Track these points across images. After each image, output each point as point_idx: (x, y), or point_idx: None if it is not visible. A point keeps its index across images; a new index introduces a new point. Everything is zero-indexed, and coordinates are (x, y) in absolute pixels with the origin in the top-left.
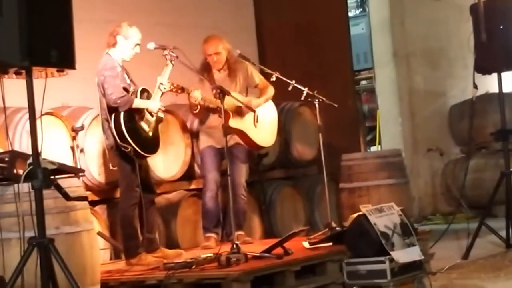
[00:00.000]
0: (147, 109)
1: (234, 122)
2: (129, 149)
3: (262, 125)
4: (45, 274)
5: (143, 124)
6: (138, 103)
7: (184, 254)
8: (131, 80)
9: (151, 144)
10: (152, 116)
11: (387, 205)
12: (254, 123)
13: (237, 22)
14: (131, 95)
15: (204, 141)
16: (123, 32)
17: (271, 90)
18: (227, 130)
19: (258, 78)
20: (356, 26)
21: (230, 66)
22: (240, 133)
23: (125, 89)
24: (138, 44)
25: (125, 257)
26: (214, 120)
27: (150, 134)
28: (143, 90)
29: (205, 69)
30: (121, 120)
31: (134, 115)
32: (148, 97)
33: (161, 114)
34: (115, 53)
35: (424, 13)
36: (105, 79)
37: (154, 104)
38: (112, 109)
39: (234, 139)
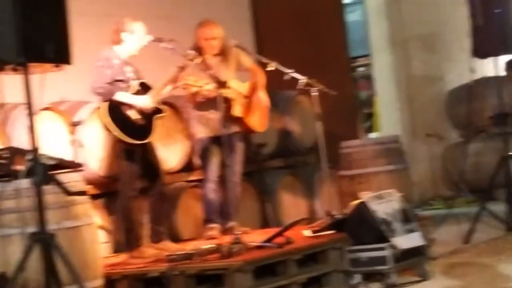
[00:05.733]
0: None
1: (236, 111)
2: (111, 133)
3: (256, 110)
4: (47, 269)
5: (130, 112)
6: (122, 97)
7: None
8: (137, 76)
9: (138, 132)
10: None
11: (387, 192)
12: (252, 109)
13: (233, 12)
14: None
15: (202, 130)
16: (128, 28)
17: (263, 74)
18: (231, 119)
19: (248, 61)
20: (352, 13)
21: (223, 51)
22: (240, 120)
23: (122, 81)
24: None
25: (126, 249)
26: (213, 107)
27: (140, 122)
28: (141, 84)
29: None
30: (105, 107)
31: (123, 104)
32: (145, 92)
33: (162, 108)
34: (120, 49)
35: None
36: (95, 69)
37: (141, 101)
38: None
39: (232, 126)
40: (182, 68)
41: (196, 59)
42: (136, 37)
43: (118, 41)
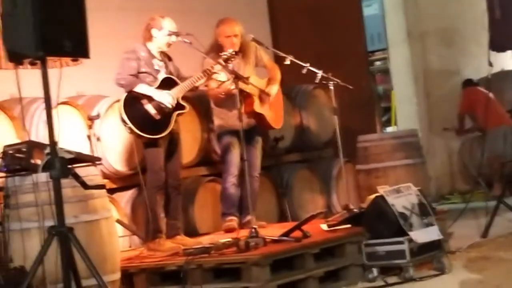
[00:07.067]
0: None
1: (257, 107)
2: (127, 126)
3: (273, 106)
4: (66, 263)
5: (149, 107)
6: (142, 89)
7: (204, 243)
8: (170, 72)
9: (154, 126)
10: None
11: (404, 186)
12: (269, 105)
13: (249, 6)
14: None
15: (222, 125)
16: (156, 25)
17: (279, 71)
18: (251, 115)
19: (266, 58)
20: (369, 6)
21: (242, 48)
22: (260, 116)
23: (148, 74)
24: (173, 32)
25: (145, 239)
26: (233, 103)
27: (158, 117)
28: (166, 79)
29: (216, 52)
30: (122, 99)
31: (142, 97)
32: (170, 87)
33: (184, 104)
34: (151, 45)
35: None
36: (121, 61)
37: (163, 97)
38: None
39: (251, 121)
40: (209, 74)
41: (231, 60)
42: (164, 32)
43: (149, 38)
